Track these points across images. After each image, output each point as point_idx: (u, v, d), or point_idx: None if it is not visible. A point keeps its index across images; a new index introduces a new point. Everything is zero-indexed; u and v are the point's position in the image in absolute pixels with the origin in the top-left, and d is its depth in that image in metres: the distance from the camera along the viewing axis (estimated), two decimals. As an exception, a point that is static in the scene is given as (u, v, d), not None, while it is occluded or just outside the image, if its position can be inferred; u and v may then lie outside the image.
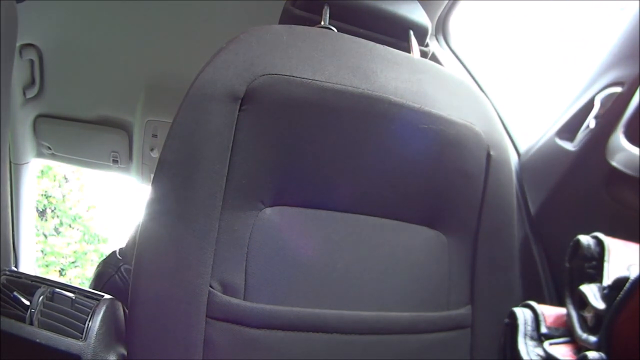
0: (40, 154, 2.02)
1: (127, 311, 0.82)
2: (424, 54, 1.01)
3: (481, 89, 1.38)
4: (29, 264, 2.16)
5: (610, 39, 1.01)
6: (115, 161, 2.01)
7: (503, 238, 0.92)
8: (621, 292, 0.60)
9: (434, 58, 1.40)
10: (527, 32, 1.57)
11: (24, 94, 1.75)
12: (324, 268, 0.80)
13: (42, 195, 6.74)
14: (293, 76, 0.77)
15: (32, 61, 1.68)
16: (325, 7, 0.92)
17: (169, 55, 1.68)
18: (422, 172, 0.86)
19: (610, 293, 0.65)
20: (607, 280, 0.68)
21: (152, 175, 1.99)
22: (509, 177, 0.93)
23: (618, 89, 0.94)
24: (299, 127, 0.78)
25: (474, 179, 0.89)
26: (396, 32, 0.98)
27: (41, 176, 6.60)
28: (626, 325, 0.59)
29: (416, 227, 0.88)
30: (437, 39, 1.44)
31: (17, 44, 1.58)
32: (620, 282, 0.63)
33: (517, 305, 0.81)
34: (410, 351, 0.83)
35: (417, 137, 0.84)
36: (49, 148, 1.97)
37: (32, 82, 1.73)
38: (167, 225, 0.74)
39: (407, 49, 0.97)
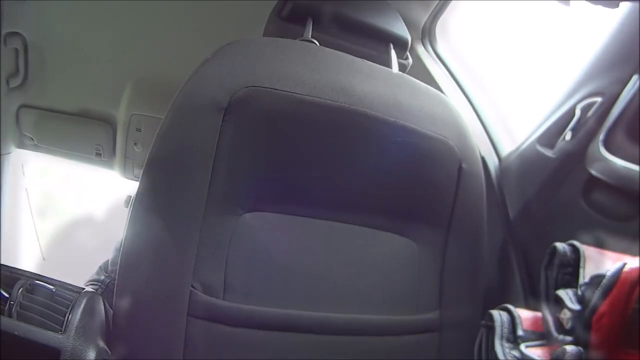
0: (22, 145, 2.00)
1: (108, 306, 0.82)
2: (402, 67, 1.03)
3: (464, 92, 1.39)
4: (11, 255, 2.13)
5: (591, 48, 1.03)
6: (98, 154, 1.99)
7: (471, 247, 0.95)
8: (599, 288, 0.62)
9: (419, 62, 1.41)
10: (511, 36, 1.59)
11: (8, 83, 1.73)
12: (299, 271, 0.83)
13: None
14: (274, 89, 0.80)
15: (17, 50, 1.66)
16: (309, 19, 0.94)
17: (155, 49, 1.67)
18: (395, 183, 0.89)
19: (587, 290, 0.66)
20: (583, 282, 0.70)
21: (135, 170, 1.98)
22: (479, 189, 0.96)
23: (598, 99, 0.96)
24: (279, 138, 0.81)
25: (445, 190, 0.92)
26: (377, 45, 1.00)
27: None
28: (603, 320, 0.61)
29: (388, 234, 0.90)
30: (423, 44, 1.45)
31: (3, 32, 1.57)
32: (596, 280, 0.65)
33: (483, 311, 0.83)
34: (381, 352, 0.86)
35: (392, 149, 0.87)
36: (32, 139, 1.95)
37: (17, 71, 1.71)
38: (151, 227, 0.76)
39: (387, 61, 0.98)
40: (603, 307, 0.61)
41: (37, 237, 3.28)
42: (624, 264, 0.61)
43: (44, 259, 3.43)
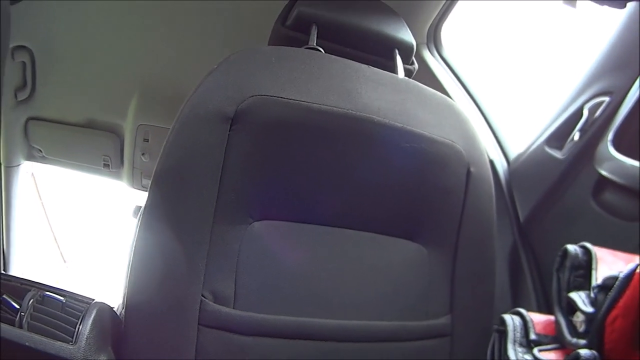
0: (31, 157, 2.01)
1: (118, 316, 0.82)
2: (408, 72, 1.03)
3: (471, 96, 1.39)
4: (21, 267, 2.14)
5: (597, 48, 1.03)
6: (106, 165, 2.01)
7: (481, 251, 0.94)
8: (611, 290, 0.61)
9: (425, 67, 1.41)
10: (518, 40, 1.59)
11: (16, 96, 1.74)
12: (309, 279, 0.82)
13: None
14: (280, 97, 0.80)
15: (24, 63, 1.67)
16: (313, 27, 0.95)
17: (161, 59, 1.68)
18: (404, 188, 0.89)
19: (599, 293, 0.66)
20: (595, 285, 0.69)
21: (143, 180, 1.98)
22: (488, 192, 0.95)
23: (606, 98, 0.96)
24: (286, 146, 0.81)
25: (454, 194, 0.92)
26: (382, 51, 1.00)
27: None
28: (617, 322, 0.60)
29: (398, 240, 0.90)
30: (428, 48, 1.45)
31: (10, 46, 1.58)
32: (609, 282, 0.64)
33: (494, 315, 0.83)
34: (392, 358, 0.86)
35: (400, 155, 0.87)
36: (40, 151, 1.97)
37: (24, 84, 1.72)
38: (161, 237, 0.76)
39: (393, 67, 0.98)
40: (616, 310, 0.60)
41: (57, 243, 3.32)
42: (637, 265, 0.60)
43: (65, 262, 3.47)
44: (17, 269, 2.11)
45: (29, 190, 2.15)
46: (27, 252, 2.13)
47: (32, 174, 2.24)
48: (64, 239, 3.38)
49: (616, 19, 0.98)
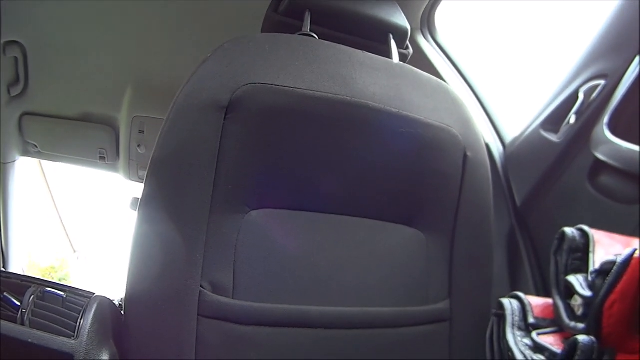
0: (26, 153, 2.00)
1: (119, 309, 0.82)
2: (403, 57, 1.02)
3: (466, 81, 1.39)
4: (19, 263, 2.14)
5: (593, 30, 1.02)
6: (102, 158, 2.00)
7: (479, 235, 0.95)
8: (609, 275, 0.62)
9: (420, 51, 1.41)
10: (513, 23, 1.58)
11: (9, 92, 1.73)
12: (308, 267, 0.82)
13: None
14: (275, 85, 0.80)
15: (16, 58, 1.66)
16: (307, 13, 0.94)
17: (154, 50, 1.67)
18: (401, 173, 0.89)
19: (597, 277, 0.66)
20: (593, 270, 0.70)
21: (139, 172, 1.98)
22: (485, 177, 0.95)
23: (601, 82, 0.95)
24: (282, 134, 0.80)
25: (450, 179, 0.92)
26: (376, 36, 1.00)
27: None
28: (614, 307, 0.60)
29: (396, 226, 0.90)
30: (422, 33, 1.45)
31: (1, 41, 1.57)
32: (606, 266, 0.64)
33: (493, 299, 0.83)
34: (392, 344, 0.86)
35: (396, 140, 0.87)
36: (36, 146, 1.96)
37: (17, 79, 1.71)
38: (158, 228, 0.76)
39: (387, 52, 0.98)
40: (614, 295, 0.60)
41: (66, 233, 3.34)
42: (634, 250, 0.60)
43: (74, 252, 3.50)
44: (17, 266, 2.11)
45: (36, 179, 2.16)
46: (34, 244, 2.14)
47: (39, 161, 2.25)
48: (72, 228, 3.41)
49: (611, 1, 0.98)
